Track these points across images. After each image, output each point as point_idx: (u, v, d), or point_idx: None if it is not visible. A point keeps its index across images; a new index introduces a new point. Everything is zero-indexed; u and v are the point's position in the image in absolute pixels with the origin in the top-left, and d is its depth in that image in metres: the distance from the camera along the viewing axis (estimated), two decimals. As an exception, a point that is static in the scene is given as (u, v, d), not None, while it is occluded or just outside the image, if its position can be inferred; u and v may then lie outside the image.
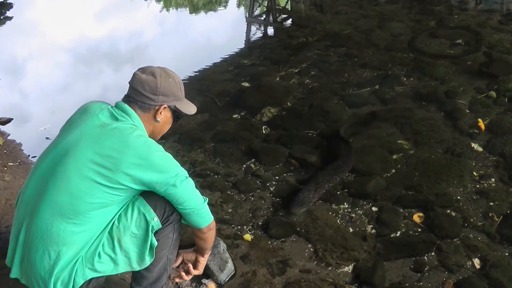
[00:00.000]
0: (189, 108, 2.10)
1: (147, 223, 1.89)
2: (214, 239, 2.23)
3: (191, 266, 2.25)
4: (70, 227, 1.77)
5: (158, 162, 1.83)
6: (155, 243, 1.93)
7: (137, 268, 1.94)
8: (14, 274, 1.89)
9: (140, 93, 1.93)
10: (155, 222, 1.91)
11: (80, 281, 1.82)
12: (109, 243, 1.85)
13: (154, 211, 1.91)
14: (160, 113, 1.98)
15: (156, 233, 1.95)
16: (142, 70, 1.98)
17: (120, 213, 1.88)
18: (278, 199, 3.23)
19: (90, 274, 1.84)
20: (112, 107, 1.96)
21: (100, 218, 1.83)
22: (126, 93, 1.99)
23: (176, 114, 2.07)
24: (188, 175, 1.92)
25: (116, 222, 1.87)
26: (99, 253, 1.83)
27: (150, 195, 1.91)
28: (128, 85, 1.98)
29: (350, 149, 3.60)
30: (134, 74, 1.97)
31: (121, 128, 1.85)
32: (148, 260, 1.93)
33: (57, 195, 1.77)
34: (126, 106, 1.93)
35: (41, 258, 1.78)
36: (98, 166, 1.76)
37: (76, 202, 1.76)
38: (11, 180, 3.48)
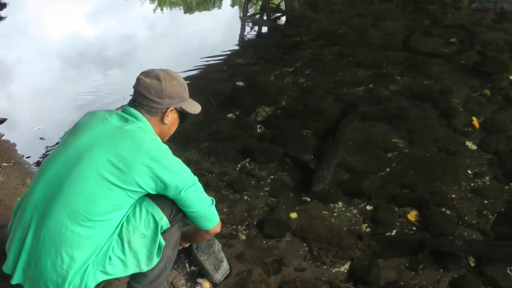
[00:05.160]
0: (194, 108, 2.11)
1: (156, 223, 1.90)
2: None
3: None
4: (84, 230, 1.75)
5: (170, 166, 1.85)
6: (163, 243, 1.94)
7: (145, 269, 1.94)
8: (16, 279, 1.82)
9: (146, 98, 1.93)
10: (164, 221, 1.93)
11: (92, 285, 1.81)
12: (119, 245, 1.85)
13: (162, 211, 1.92)
14: (167, 115, 1.99)
15: (163, 233, 1.96)
16: (146, 74, 1.97)
17: (128, 215, 1.88)
18: (273, 198, 3.23)
19: (101, 277, 1.83)
20: (120, 112, 1.96)
21: (112, 221, 1.82)
22: (131, 97, 1.99)
23: (183, 114, 2.08)
24: (197, 181, 1.94)
25: (125, 223, 1.86)
26: (109, 256, 1.83)
27: (156, 196, 1.91)
28: (133, 89, 1.98)
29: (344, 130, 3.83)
30: (138, 78, 1.97)
31: (133, 130, 1.86)
32: (155, 260, 1.94)
33: (72, 196, 1.75)
34: (133, 110, 1.93)
35: (53, 262, 1.74)
36: (113, 168, 1.76)
37: (92, 204, 1.75)
38: (5, 180, 3.46)
